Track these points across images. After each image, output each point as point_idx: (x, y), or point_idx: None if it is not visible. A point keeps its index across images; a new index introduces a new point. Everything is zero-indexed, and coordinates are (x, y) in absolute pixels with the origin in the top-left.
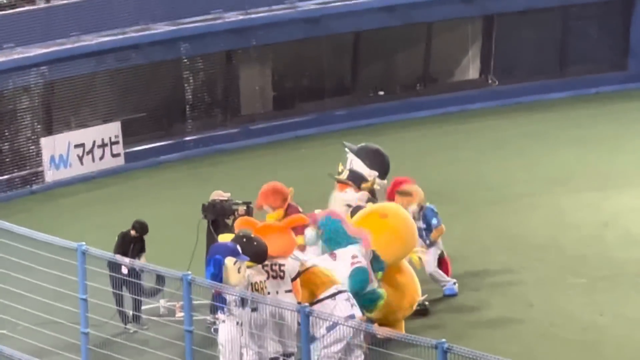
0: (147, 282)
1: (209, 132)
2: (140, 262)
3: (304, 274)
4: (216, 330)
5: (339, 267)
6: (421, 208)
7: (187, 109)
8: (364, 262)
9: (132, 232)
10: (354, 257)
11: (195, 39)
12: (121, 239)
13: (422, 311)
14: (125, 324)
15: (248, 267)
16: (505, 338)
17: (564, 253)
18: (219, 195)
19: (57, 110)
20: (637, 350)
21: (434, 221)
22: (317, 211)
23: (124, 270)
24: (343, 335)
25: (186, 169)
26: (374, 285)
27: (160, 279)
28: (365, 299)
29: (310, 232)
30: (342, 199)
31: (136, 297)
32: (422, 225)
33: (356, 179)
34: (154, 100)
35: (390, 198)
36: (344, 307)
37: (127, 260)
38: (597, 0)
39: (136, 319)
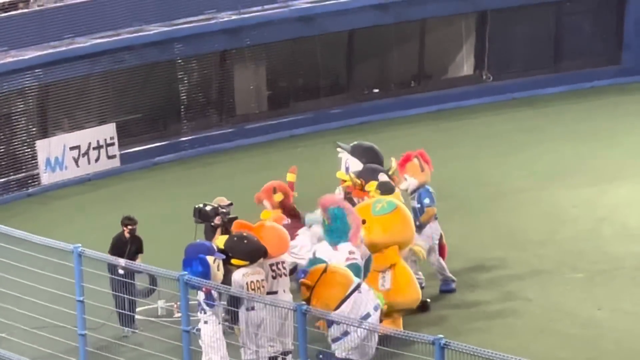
0: (141, 283)
1: (204, 133)
2: (137, 263)
3: (326, 275)
4: (198, 330)
5: (337, 257)
6: (418, 187)
7: (182, 110)
8: (359, 260)
9: (125, 232)
10: (351, 252)
11: (189, 40)
12: (116, 240)
13: (423, 307)
14: (124, 326)
15: (243, 266)
16: (503, 333)
17: (562, 248)
18: (220, 201)
19: (52, 113)
20: (635, 344)
21: (427, 201)
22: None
23: (120, 271)
24: (375, 325)
25: (182, 169)
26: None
27: (152, 279)
28: None
29: (316, 216)
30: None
31: (131, 298)
32: (417, 205)
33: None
34: (148, 101)
35: (403, 165)
36: (371, 298)
37: (121, 261)
38: None
39: (131, 320)
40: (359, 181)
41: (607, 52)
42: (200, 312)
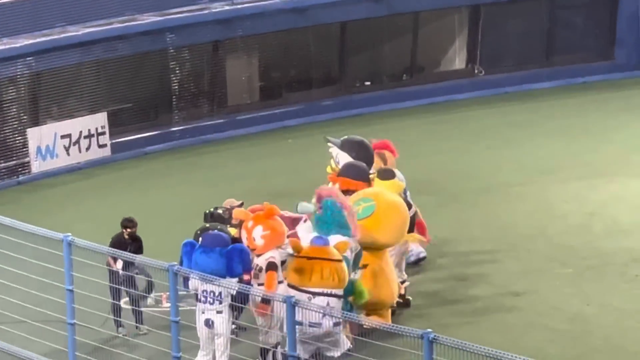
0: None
1: (195, 123)
2: (125, 254)
3: (300, 259)
4: (212, 323)
5: None
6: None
7: (174, 100)
8: (348, 254)
9: (125, 233)
10: None
11: (181, 30)
12: (114, 241)
13: (404, 303)
14: (118, 328)
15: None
16: (491, 328)
17: (551, 243)
18: (230, 203)
19: (44, 101)
20: (623, 340)
21: None
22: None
23: (119, 265)
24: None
25: (173, 159)
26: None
27: (147, 274)
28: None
29: (308, 206)
30: None
31: (135, 295)
32: None
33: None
34: (140, 90)
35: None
36: (313, 313)
37: (119, 263)
38: None
39: (138, 318)
40: (337, 168)
41: (599, 48)
42: (214, 303)
